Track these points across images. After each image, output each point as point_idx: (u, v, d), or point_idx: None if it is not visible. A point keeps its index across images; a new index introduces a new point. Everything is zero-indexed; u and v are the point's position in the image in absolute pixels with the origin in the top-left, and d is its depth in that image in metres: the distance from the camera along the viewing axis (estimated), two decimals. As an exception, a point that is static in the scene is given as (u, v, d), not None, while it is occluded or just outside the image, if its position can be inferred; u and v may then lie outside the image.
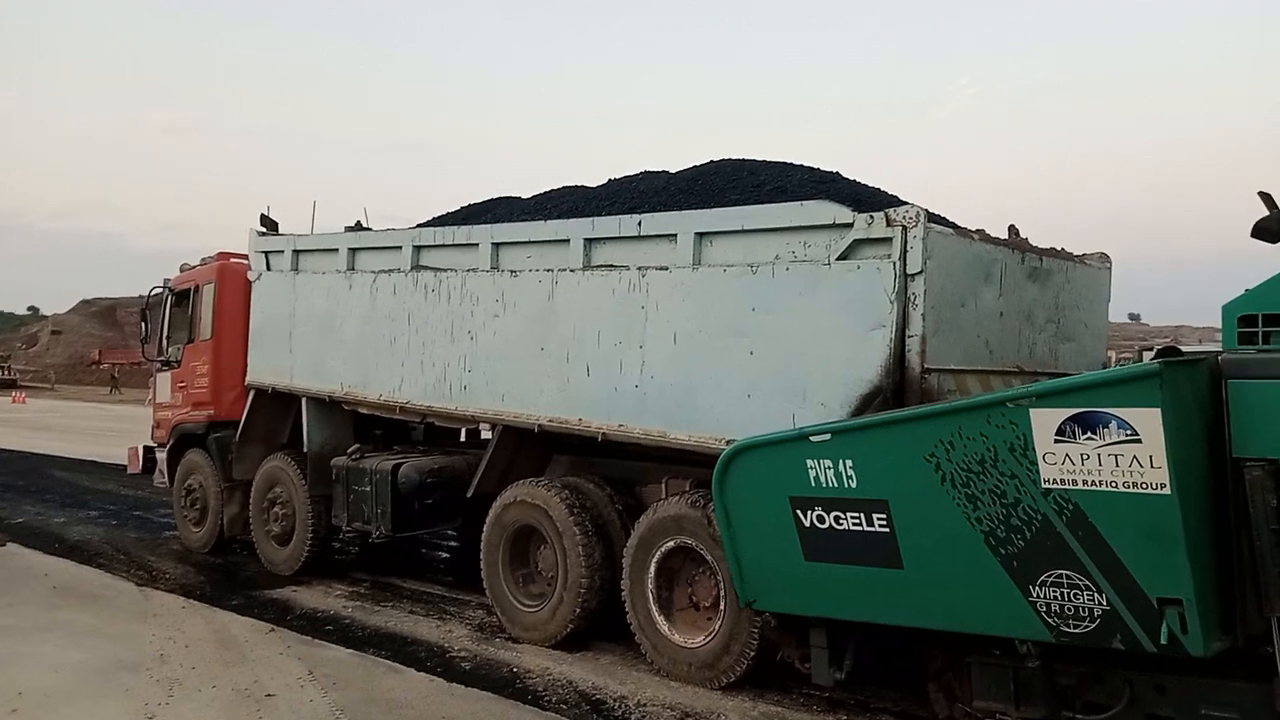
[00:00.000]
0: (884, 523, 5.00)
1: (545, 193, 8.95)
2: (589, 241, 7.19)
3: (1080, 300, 7.09)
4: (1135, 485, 4.20)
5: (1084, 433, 4.30)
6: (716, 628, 6.41)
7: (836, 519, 5.16)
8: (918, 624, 5.13)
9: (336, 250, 9.59)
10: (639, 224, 6.91)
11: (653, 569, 6.78)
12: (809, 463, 5.19)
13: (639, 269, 6.82)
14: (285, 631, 7.84)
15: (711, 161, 7.90)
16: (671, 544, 6.70)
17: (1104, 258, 7.48)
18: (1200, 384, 4.39)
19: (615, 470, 7.73)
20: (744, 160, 7.73)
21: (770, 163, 7.58)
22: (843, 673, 5.59)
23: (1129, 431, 4.18)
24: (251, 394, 10.49)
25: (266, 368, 10.29)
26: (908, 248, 5.56)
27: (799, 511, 5.29)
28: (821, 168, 7.40)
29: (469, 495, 8.32)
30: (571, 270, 7.25)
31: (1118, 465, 4.23)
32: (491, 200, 9.59)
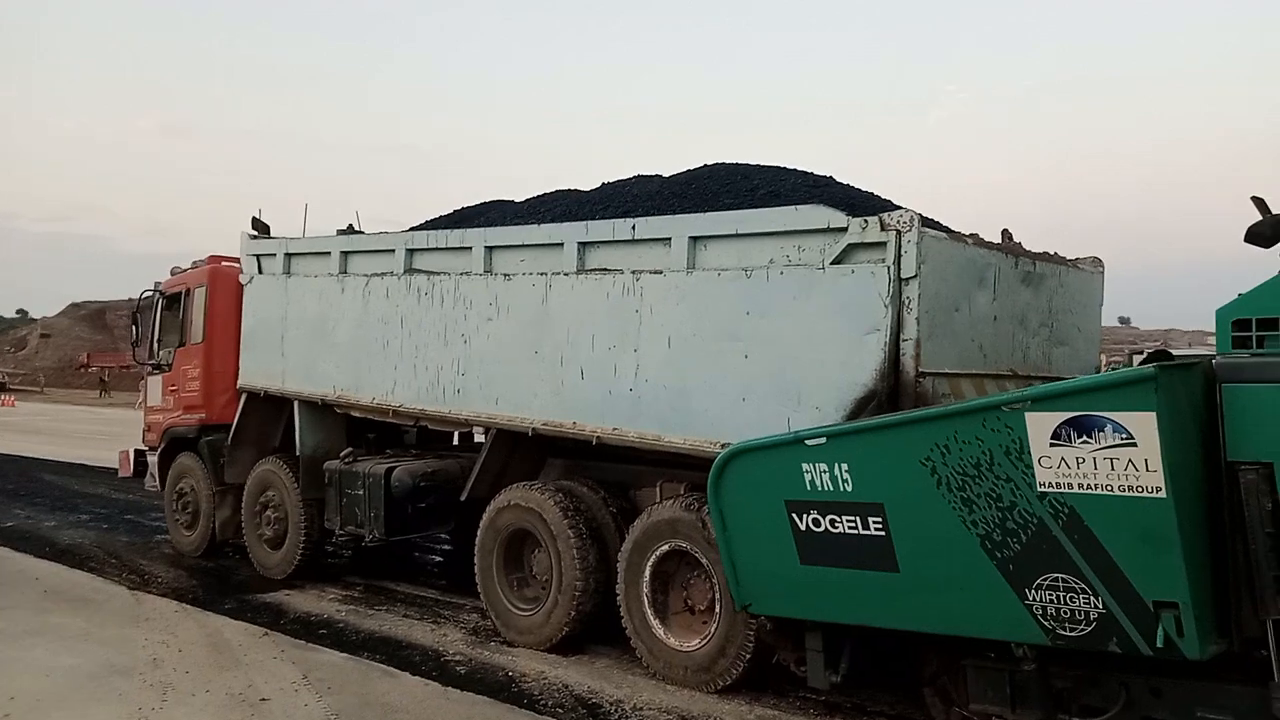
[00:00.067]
0: (880, 526, 5.00)
1: (538, 196, 8.95)
2: (583, 245, 7.18)
3: (1073, 304, 7.12)
4: (1131, 489, 4.21)
5: (1079, 436, 4.31)
6: (712, 631, 6.42)
7: (832, 522, 5.16)
8: (913, 627, 5.14)
9: (329, 253, 9.57)
10: (633, 228, 6.91)
11: (648, 573, 6.78)
12: (804, 466, 5.20)
13: (633, 273, 6.82)
14: (279, 635, 7.82)
15: (705, 165, 7.91)
16: (666, 547, 6.70)
17: (1097, 262, 7.51)
18: (1195, 388, 4.41)
19: (609, 474, 7.73)
20: (737, 164, 7.75)
21: (764, 167, 7.60)
22: (838, 676, 5.59)
23: (1124, 435, 4.20)
24: (243, 397, 10.46)
25: (258, 371, 10.27)
26: (902, 252, 5.57)
27: (794, 515, 5.29)
28: (815, 172, 7.41)
29: (462, 499, 8.30)
30: (565, 274, 7.25)
31: (1113, 469, 4.24)
32: (484, 204, 9.59)
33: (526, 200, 9.03)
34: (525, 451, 8.11)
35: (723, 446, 5.80)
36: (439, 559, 11.26)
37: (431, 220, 9.59)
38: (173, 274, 11.70)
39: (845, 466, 5.06)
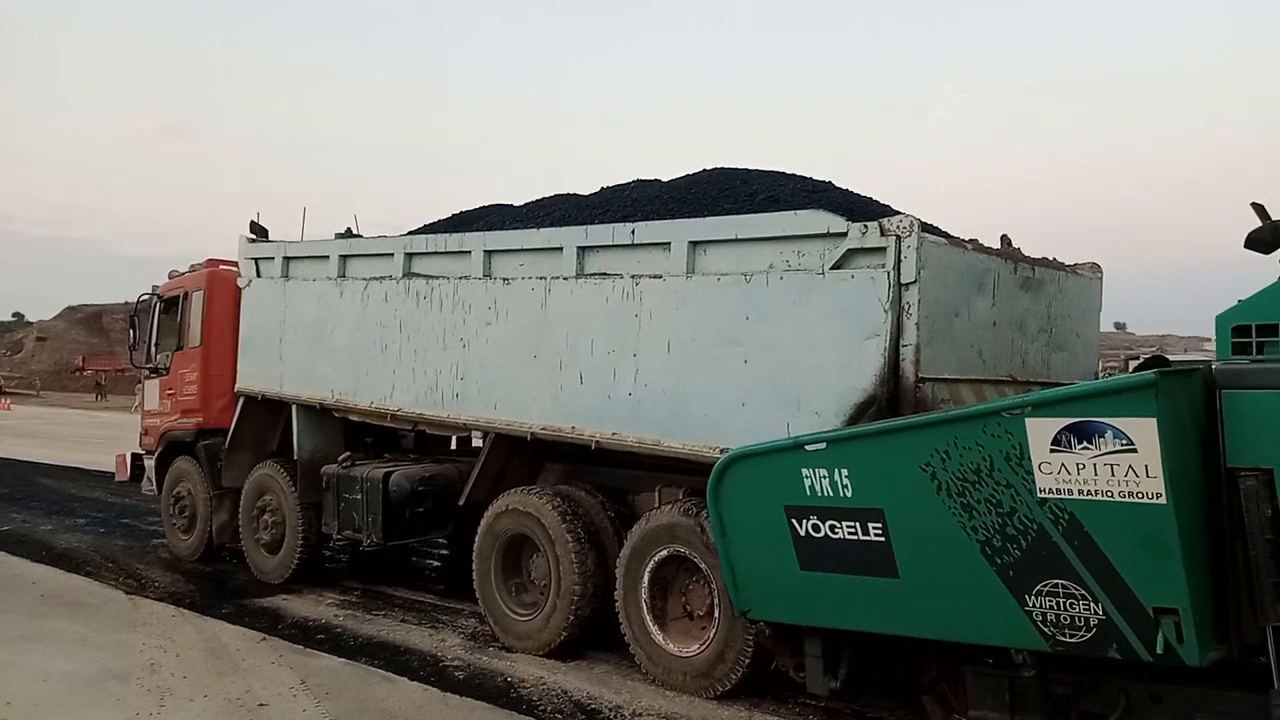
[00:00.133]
0: (879, 532, 5.00)
1: (537, 200, 8.95)
2: (582, 249, 7.18)
3: (1072, 310, 7.13)
4: (1131, 495, 4.22)
5: (1079, 442, 4.32)
6: (711, 636, 6.41)
7: (832, 528, 5.16)
8: (913, 633, 5.13)
9: (327, 257, 9.56)
10: (633, 232, 6.91)
11: (646, 578, 6.77)
12: (804, 472, 5.20)
13: (633, 277, 6.82)
14: (277, 640, 7.80)
15: (704, 170, 7.91)
16: (665, 553, 6.70)
17: (1095, 268, 7.52)
18: (1195, 394, 4.41)
19: (608, 479, 7.72)
20: (737, 169, 7.75)
21: (763, 171, 7.60)
22: (838, 682, 5.59)
23: (1124, 441, 4.20)
24: (241, 401, 10.44)
25: (256, 375, 10.25)
26: (902, 257, 5.58)
27: (794, 520, 5.29)
28: (815, 177, 7.42)
29: (461, 503, 8.30)
30: (565, 278, 7.25)
31: (1113, 475, 4.25)
32: (483, 208, 9.60)
33: (525, 204, 9.03)
34: (524, 456, 8.11)
35: (722, 451, 5.80)
36: (436, 564, 11.24)
37: (430, 224, 9.60)
38: (170, 277, 11.69)
39: (845, 472, 5.06)
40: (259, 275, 10.37)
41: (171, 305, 11.35)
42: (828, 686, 5.60)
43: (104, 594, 9.36)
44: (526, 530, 7.57)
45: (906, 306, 5.58)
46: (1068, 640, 4.50)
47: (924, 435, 4.82)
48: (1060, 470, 4.38)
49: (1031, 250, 6.88)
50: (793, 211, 6.20)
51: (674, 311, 6.57)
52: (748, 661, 6.22)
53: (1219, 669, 4.42)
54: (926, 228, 5.85)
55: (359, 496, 8.91)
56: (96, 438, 27.26)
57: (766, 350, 6.06)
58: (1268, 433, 4.29)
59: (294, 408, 9.79)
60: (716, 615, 6.38)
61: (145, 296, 11.80)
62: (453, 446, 10.57)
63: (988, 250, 6.34)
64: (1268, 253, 4.77)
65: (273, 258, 10.18)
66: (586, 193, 8.57)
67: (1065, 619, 4.49)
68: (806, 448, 5.24)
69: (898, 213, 5.97)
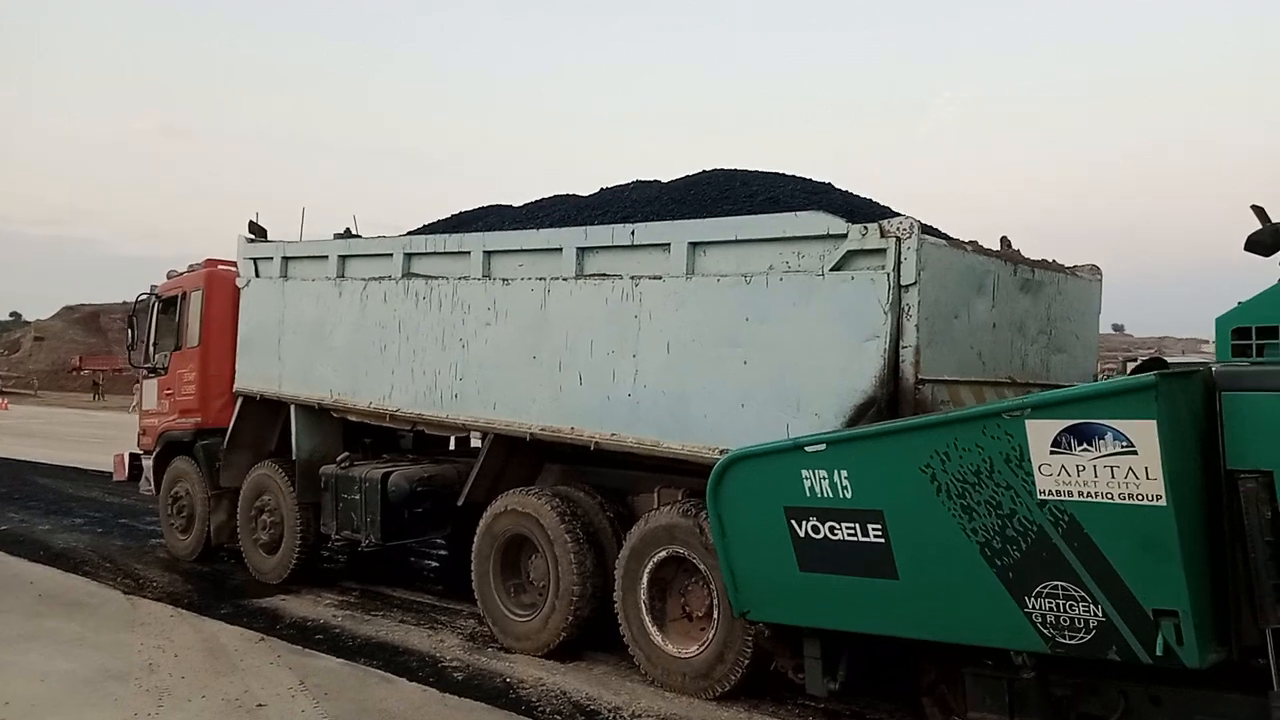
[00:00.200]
0: (879, 533, 5.00)
1: (536, 201, 8.95)
2: (582, 250, 7.18)
3: (1071, 312, 7.14)
4: (1131, 497, 4.22)
5: (1080, 444, 4.32)
6: (710, 637, 6.40)
7: (831, 529, 5.16)
8: (913, 635, 5.13)
9: (326, 258, 9.56)
10: (632, 233, 6.91)
11: (645, 580, 6.76)
12: (804, 473, 5.20)
13: (632, 278, 6.81)
14: (275, 641, 7.79)
15: (704, 171, 7.91)
16: (664, 554, 6.69)
17: (1095, 269, 7.53)
18: (1195, 396, 4.41)
19: (607, 479, 7.72)
20: (736, 170, 7.75)
21: (763, 173, 7.60)
22: (836, 683, 5.59)
23: (1124, 443, 4.20)
24: (239, 401, 10.44)
25: (255, 375, 10.25)
26: (902, 259, 5.58)
27: (794, 522, 5.29)
28: (814, 178, 7.43)
29: (459, 504, 8.29)
30: (564, 279, 7.24)
31: (1113, 477, 4.25)
32: (482, 208, 9.60)
33: (524, 205, 9.03)
34: (522, 457, 8.10)
35: (721, 452, 5.80)
36: (435, 564, 11.24)
37: (429, 224, 9.60)
38: (169, 277, 11.68)
39: (845, 473, 5.06)
40: (258, 275, 10.37)
41: (170, 305, 11.35)
42: (827, 688, 5.60)
43: (102, 594, 9.35)
44: (525, 531, 7.56)
45: (906, 308, 5.58)
46: (1067, 642, 4.51)
47: (924, 437, 4.82)
48: (1060, 472, 4.38)
49: (1030, 252, 6.90)
50: (793, 213, 6.20)
51: (674, 312, 6.56)
52: (747, 663, 6.22)
53: (1218, 671, 4.43)
54: (926, 229, 5.85)
55: (357, 497, 8.90)
56: (94, 437, 27.23)
57: (766, 351, 6.06)
58: (1268, 435, 4.29)
59: (292, 408, 9.78)
60: (715, 616, 6.38)
61: (144, 296, 11.79)
62: (451, 447, 10.57)
63: (987, 252, 6.35)
64: (1268, 255, 4.77)
65: (271, 258, 10.17)
66: (586, 194, 8.57)
67: (1065, 621, 4.49)
68: (806, 449, 5.24)
69: (897, 214, 5.97)
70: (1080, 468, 4.32)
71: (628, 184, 8.27)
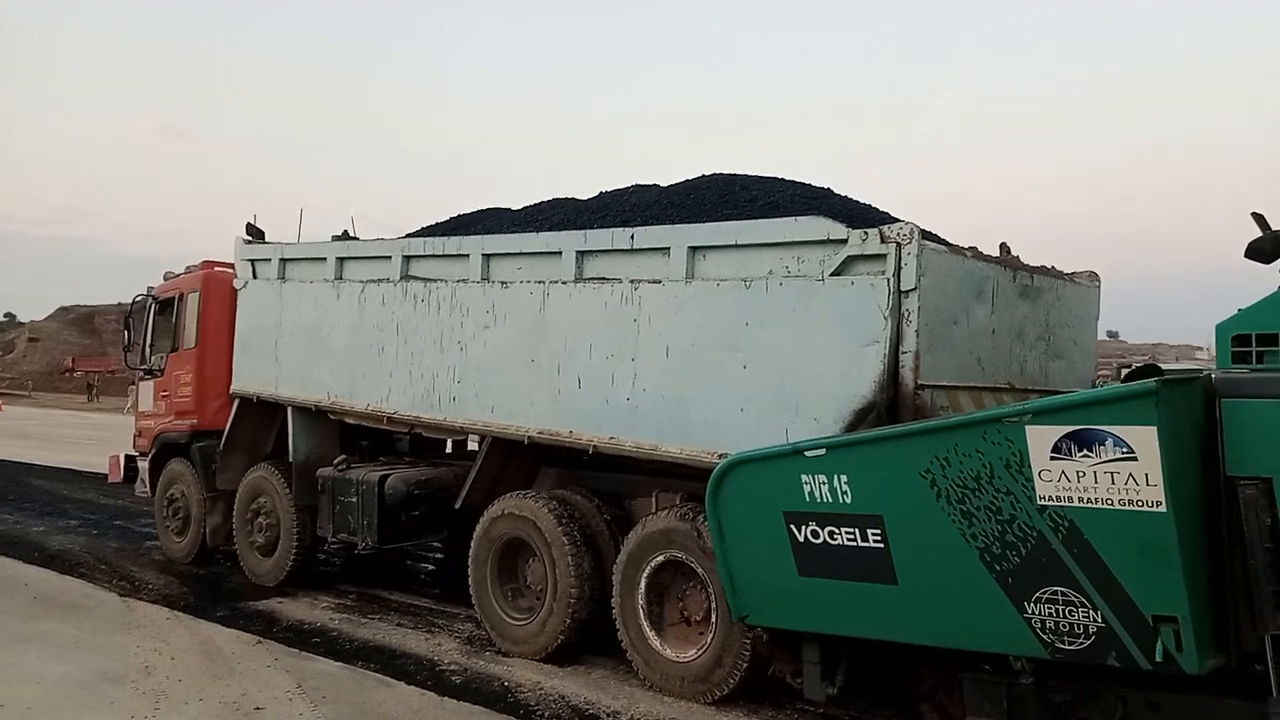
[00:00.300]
0: (878, 538, 5.01)
1: (535, 204, 8.96)
2: (581, 254, 7.18)
3: (1070, 318, 7.15)
4: (1131, 503, 4.23)
5: (1080, 450, 4.33)
6: (708, 641, 6.40)
7: (830, 534, 5.17)
8: (912, 640, 5.14)
9: (324, 259, 9.54)
10: (632, 237, 6.91)
11: (643, 584, 6.76)
12: (804, 478, 5.21)
13: (631, 282, 6.81)
14: (272, 644, 7.77)
15: (703, 175, 7.92)
16: (661, 558, 6.69)
17: (1093, 276, 7.55)
18: (1195, 403, 4.43)
19: (604, 483, 7.71)
20: (735, 175, 7.76)
21: (762, 177, 7.61)
22: (835, 688, 5.60)
23: (1125, 449, 4.22)
24: (236, 403, 10.41)
25: (252, 376, 10.23)
26: (902, 264, 5.58)
27: (793, 526, 5.30)
28: (813, 183, 7.44)
29: (456, 507, 8.28)
30: (563, 282, 7.24)
31: (1113, 483, 4.26)
32: (481, 211, 9.60)
33: (523, 208, 9.04)
34: (520, 460, 8.09)
35: (720, 457, 5.81)
36: (431, 567, 11.21)
37: (428, 227, 9.60)
38: (166, 279, 11.66)
39: (844, 478, 5.07)
40: (255, 277, 10.35)
41: (167, 306, 11.33)
42: (825, 693, 5.61)
43: (97, 596, 9.33)
44: (523, 534, 7.56)
45: (906, 313, 5.59)
46: (1066, 648, 4.52)
47: (924, 442, 4.84)
48: (1060, 478, 4.40)
49: (1026, 256, 6.91)
50: (793, 218, 6.21)
51: (673, 316, 6.56)
52: (745, 667, 6.21)
53: (1217, 677, 4.44)
54: (926, 235, 5.86)
55: (354, 499, 8.89)
56: (88, 439, 27.16)
57: (766, 356, 6.07)
58: (1267, 441, 4.31)
59: (289, 410, 9.76)
60: (714, 620, 6.38)
61: (140, 298, 11.77)
62: (448, 450, 10.57)
63: (987, 258, 6.36)
64: (1268, 262, 4.79)
65: (269, 259, 10.16)
66: (585, 197, 8.57)
67: (1064, 626, 4.50)
68: (806, 454, 5.25)
69: (897, 219, 5.98)
70: (1080, 473, 4.34)
71: (627, 188, 8.28)
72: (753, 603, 5.66)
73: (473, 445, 9.20)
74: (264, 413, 10.28)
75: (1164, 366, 4.87)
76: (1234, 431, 4.38)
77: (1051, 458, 4.41)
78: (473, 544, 7.93)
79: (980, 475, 4.61)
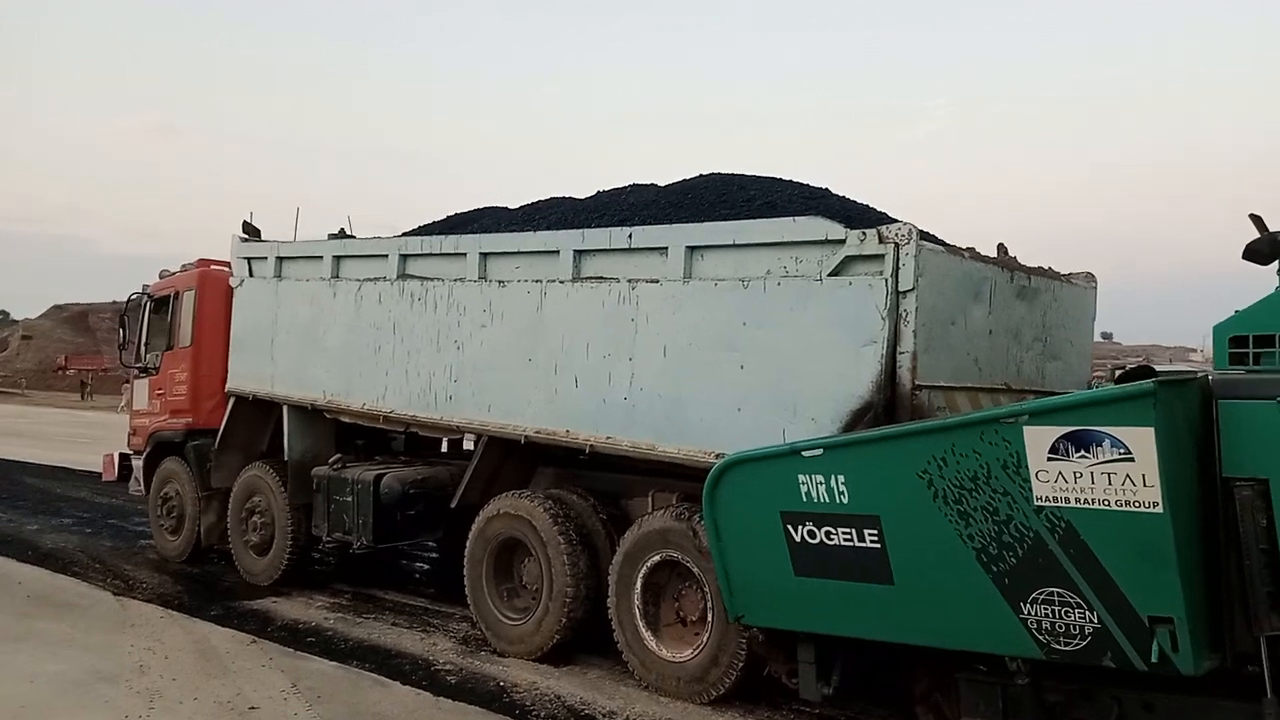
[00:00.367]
0: (875, 538, 5.01)
1: (533, 203, 8.94)
2: (579, 253, 7.17)
3: (1066, 319, 7.16)
4: (1128, 504, 4.24)
5: (1077, 451, 4.34)
6: (704, 641, 6.39)
7: (827, 534, 5.18)
8: (908, 640, 5.15)
9: (321, 258, 9.52)
10: (630, 236, 6.90)
11: (639, 584, 6.75)
12: (801, 478, 5.21)
13: (629, 281, 6.81)
14: (267, 643, 7.75)
15: (701, 175, 7.92)
16: (657, 558, 6.68)
17: (1090, 277, 7.56)
18: (1191, 404, 4.44)
19: (601, 483, 7.71)
20: (733, 175, 7.76)
21: (760, 178, 7.62)
22: (830, 688, 5.60)
23: (1122, 450, 4.22)
24: (231, 401, 10.38)
25: (247, 375, 10.20)
26: (900, 265, 5.59)
27: (790, 526, 5.30)
28: (811, 183, 7.44)
29: (452, 506, 8.27)
30: (561, 281, 7.23)
31: (1110, 484, 4.27)
32: (478, 210, 9.59)
33: (520, 207, 9.02)
34: (516, 460, 8.09)
35: (717, 457, 5.81)
36: (426, 567, 11.20)
37: (425, 225, 9.58)
38: (161, 277, 11.63)
39: (842, 478, 5.08)
40: (251, 275, 10.33)
41: (162, 305, 11.29)
42: (820, 693, 5.61)
43: (91, 595, 9.30)
44: (518, 534, 7.55)
45: (904, 314, 5.59)
46: (1062, 648, 4.53)
47: (921, 442, 4.85)
48: (1057, 478, 4.41)
49: (1023, 257, 6.92)
50: (791, 218, 6.21)
51: (670, 316, 6.56)
52: (741, 666, 6.21)
53: (1212, 678, 4.45)
54: (924, 235, 5.87)
55: (350, 498, 8.87)
56: (82, 437, 27.10)
57: (763, 356, 6.06)
58: (1263, 443, 4.32)
59: (285, 408, 9.74)
60: (710, 620, 6.37)
61: (135, 296, 11.74)
62: (443, 449, 10.55)
63: (985, 259, 6.36)
64: (1265, 264, 4.80)
65: (265, 258, 10.14)
66: (582, 196, 8.57)
67: (1060, 627, 4.51)
68: (803, 453, 5.26)
69: (895, 220, 5.99)
70: (1077, 474, 4.34)
71: (625, 187, 8.27)
72: (749, 603, 5.65)
73: (468, 444, 9.18)
74: (259, 411, 10.26)
75: (1158, 368, 4.89)
76: (1230, 433, 4.39)
77: (1048, 458, 4.41)
78: (468, 543, 7.92)
79: (977, 476, 4.62)
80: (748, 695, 6.37)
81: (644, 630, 6.73)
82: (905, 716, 5.93)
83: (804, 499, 5.20)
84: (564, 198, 8.78)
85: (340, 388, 9.08)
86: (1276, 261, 4.75)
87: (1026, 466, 4.47)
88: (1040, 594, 4.54)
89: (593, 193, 8.47)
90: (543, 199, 8.92)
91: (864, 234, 5.69)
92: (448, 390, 8.02)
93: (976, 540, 4.67)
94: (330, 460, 9.32)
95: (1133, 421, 4.19)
